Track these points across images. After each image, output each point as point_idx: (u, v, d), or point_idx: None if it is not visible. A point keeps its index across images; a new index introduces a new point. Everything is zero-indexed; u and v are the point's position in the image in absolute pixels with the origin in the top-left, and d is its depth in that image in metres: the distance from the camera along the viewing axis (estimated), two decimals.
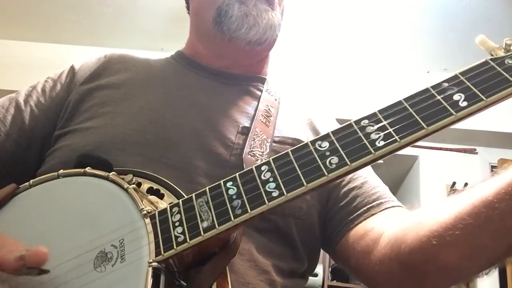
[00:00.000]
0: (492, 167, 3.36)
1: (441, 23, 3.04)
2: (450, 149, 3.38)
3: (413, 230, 0.62)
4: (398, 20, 3.07)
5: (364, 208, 0.76)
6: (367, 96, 3.34)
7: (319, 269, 3.33)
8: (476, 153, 3.42)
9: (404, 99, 0.48)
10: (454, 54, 3.25)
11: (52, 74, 0.89)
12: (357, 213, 0.76)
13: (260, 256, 0.68)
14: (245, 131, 0.76)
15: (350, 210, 0.77)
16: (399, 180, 3.82)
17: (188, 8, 0.96)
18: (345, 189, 0.79)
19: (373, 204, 0.76)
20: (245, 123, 0.78)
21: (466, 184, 3.10)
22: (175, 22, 3.13)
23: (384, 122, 0.48)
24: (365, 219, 0.75)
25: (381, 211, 0.75)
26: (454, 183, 3.18)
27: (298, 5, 2.96)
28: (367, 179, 0.80)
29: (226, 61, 0.88)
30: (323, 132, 0.84)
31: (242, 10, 0.81)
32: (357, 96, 3.36)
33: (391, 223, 0.70)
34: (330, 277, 3.46)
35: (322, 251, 0.82)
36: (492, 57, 0.47)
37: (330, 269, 3.48)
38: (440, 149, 3.36)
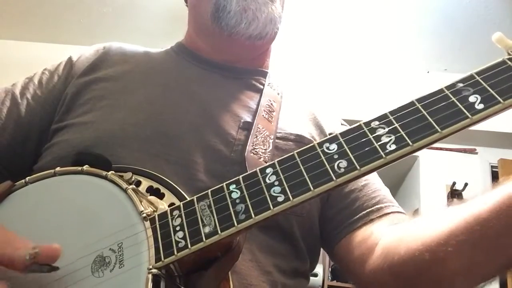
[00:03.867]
0: (492, 167, 3.36)
1: (441, 23, 3.03)
2: (450, 149, 3.37)
3: (406, 242, 0.62)
4: (398, 20, 3.06)
5: (364, 212, 0.74)
6: (367, 95, 3.33)
7: (319, 269, 3.32)
8: (476, 153, 3.41)
9: (416, 100, 0.46)
10: (454, 54, 3.24)
11: (50, 66, 0.86)
12: (357, 216, 0.75)
13: (262, 255, 0.67)
14: (247, 126, 0.75)
15: (349, 212, 0.75)
16: (399, 180, 3.81)
17: (186, 0, 0.94)
18: (345, 189, 0.77)
19: (372, 208, 0.75)
20: (247, 118, 0.77)
21: (466, 184, 3.09)
22: (175, 22, 3.12)
23: (396, 124, 0.45)
24: (364, 224, 0.73)
25: (380, 216, 0.74)
26: (454, 183, 3.17)
27: (298, 5, 2.95)
28: (368, 181, 0.79)
29: (226, 55, 0.86)
30: (326, 128, 0.84)
31: (240, 4, 0.78)
32: (357, 96, 3.35)
33: (387, 232, 0.69)
34: (330, 277, 3.46)
35: (322, 251, 0.82)
36: (510, 56, 0.45)
37: (330, 269, 3.48)
38: (440, 149, 3.35)
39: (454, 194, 3.14)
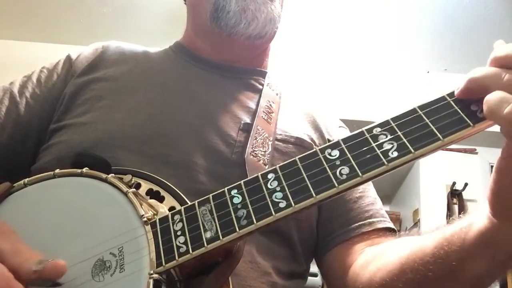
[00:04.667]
0: (492, 167, 3.33)
1: (441, 23, 3.02)
2: (450, 149, 3.36)
3: (369, 272, 0.64)
4: (398, 20, 3.06)
5: (356, 225, 0.75)
6: (367, 95, 3.33)
7: None
8: (476, 153, 3.40)
9: (419, 107, 0.46)
10: (454, 54, 3.24)
11: (48, 64, 0.86)
12: (348, 228, 0.75)
13: (261, 257, 0.67)
14: (246, 128, 0.74)
15: (341, 223, 0.76)
16: (399, 180, 3.81)
17: None
18: (340, 199, 0.77)
19: (364, 222, 0.75)
20: (247, 119, 0.76)
21: (466, 184, 3.09)
22: (175, 22, 3.11)
23: (399, 132, 0.45)
24: (354, 236, 0.74)
25: (371, 230, 0.75)
26: (454, 183, 3.17)
27: (297, 4, 2.95)
28: (364, 194, 0.79)
29: (225, 55, 0.86)
30: (325, 132, 0.84)
31: (239, 4, 0.78)
32: (357, 96, 3.35)
33: (362, 256, 0.70)
34: None
35: None
36: None
37: None
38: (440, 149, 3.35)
39: (454, 194, 3.14)
